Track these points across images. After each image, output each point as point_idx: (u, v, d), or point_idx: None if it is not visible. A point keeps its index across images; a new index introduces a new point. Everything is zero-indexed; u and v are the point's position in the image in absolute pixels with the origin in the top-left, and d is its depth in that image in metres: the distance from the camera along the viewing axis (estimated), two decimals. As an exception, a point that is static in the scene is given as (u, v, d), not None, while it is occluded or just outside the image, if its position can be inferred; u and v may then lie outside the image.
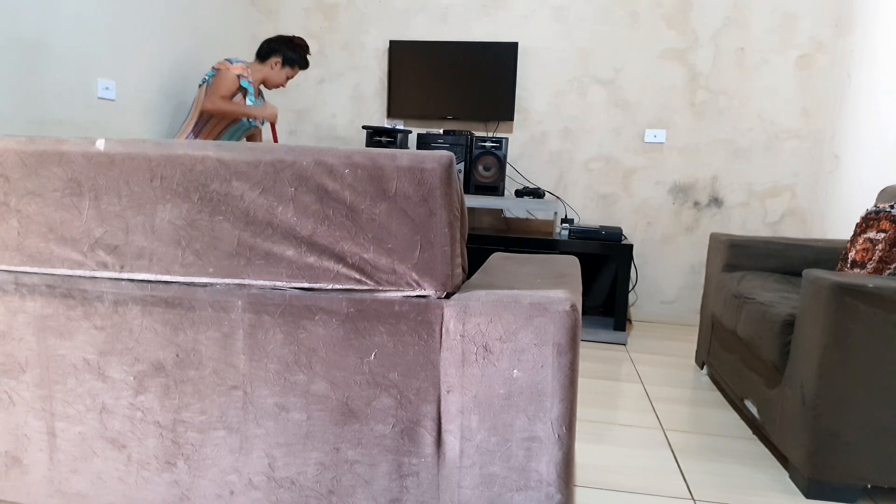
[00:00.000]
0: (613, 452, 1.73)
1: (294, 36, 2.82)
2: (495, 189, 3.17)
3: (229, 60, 2.67)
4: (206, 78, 2.66)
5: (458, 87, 3.40)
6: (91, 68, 2.42)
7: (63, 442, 1.11)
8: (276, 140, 2.95)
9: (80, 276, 1.06)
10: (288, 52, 2.77)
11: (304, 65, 2.85)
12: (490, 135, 3.46)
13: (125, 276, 1.05)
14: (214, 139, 2.71)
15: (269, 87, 2.84)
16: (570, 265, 1.33)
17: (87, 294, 1.05)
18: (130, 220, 1.02)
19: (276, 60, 2.77)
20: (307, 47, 2.85)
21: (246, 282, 1.01)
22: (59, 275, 1.07)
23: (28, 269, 1.08)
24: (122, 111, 2.61)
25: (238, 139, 2.83)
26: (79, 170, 1.02)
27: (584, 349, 2.81)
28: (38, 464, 1.13)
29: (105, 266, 1.05)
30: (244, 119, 2.75)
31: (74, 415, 1.09)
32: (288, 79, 2.85)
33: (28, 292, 1.07)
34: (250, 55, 3.66)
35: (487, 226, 3.53)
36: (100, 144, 1.02)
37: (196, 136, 2.69)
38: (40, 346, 1.08)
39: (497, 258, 1.41)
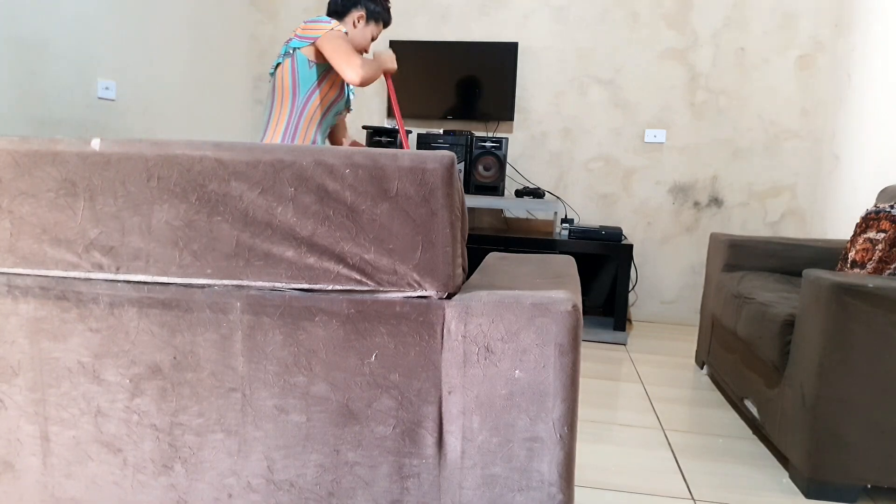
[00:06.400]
0: (613, 452, 1.72)
1: None
2: (495, 189, 3.17)
3: (315, 21, 2.04)
4: (290, 50, 2.06)
5: (458, 87, 3.39)
6: (91, 68, 2.41)
7: (57, 446, 1.10)
8: (393, 96, 2.34)
9: (74, 278, 1.05)
10: (369, 3, 2.16)
11: (389, 19, 2.24)
12: (490, 135, 3.45)
13: (121, 277, 1.03)
14: (313, 142, 2.15)
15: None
16: (567, 265, 1.32)
17: (82, 296, 1.04)
18: (126, 220, 1.01)
19: (358, 15, 2.15)
20: None
21: (245, 283, 1.00)
22: (53, 276, 1.06)
23: (21, 270, 1.06)
24: (122, 111, 2.60)
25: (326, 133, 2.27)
26: (73, 170, 1.01)
27: (585, 349, 2.80)
28: (31, 469, 1.11)
29: (100, 267, 1.04)
30: (339, 102, 2.20)
31: (69, 419, 1.08)
32: (373, 40, 2.22)
33: (21, 294, 1.06)
34: (250, 55, 3.65)
35: (487, 226, 3.52)
36: (95, 144, 1.01)
37: (294, 141, 2.13)
38: (34, 349, 1.07)
39: (493, 258, 1.40)
